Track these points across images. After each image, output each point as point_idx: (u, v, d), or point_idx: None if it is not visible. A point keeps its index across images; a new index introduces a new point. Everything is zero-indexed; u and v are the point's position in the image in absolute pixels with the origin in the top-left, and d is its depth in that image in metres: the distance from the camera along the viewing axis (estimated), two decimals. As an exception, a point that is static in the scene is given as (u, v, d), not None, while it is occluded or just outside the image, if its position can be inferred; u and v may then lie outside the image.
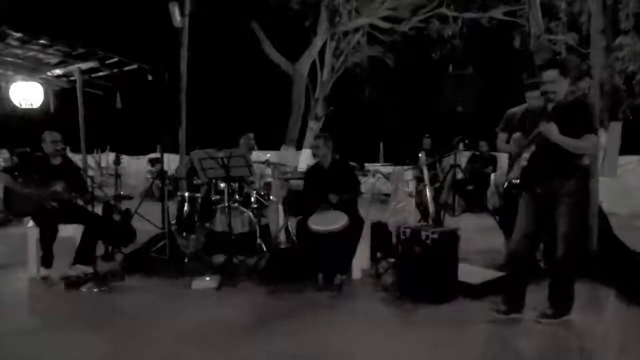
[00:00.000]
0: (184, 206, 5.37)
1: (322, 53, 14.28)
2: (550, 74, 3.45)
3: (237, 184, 5.20)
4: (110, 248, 5.45)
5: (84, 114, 9.42)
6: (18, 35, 7.33)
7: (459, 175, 7.15)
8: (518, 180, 3.52)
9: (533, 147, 3.43)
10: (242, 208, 5.12)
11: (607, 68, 5.01)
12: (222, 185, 5.06)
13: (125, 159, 14.52)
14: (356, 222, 4.61)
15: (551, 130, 3.27)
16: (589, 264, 4.65)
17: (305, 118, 14.26)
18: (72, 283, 4.41)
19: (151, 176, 11.50)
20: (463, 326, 3.57)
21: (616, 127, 10.55)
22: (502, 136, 4.53)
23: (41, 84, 9.70)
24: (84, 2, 13.34)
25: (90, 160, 12.36)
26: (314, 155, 4.99)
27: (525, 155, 3.47)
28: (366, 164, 13.97)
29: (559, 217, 3.42)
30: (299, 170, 7.88)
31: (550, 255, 3.55)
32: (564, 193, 3.41)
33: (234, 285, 4.50)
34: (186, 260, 5.09)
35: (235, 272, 4.69)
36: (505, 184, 3.70)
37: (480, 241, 5.87)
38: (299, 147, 13.92)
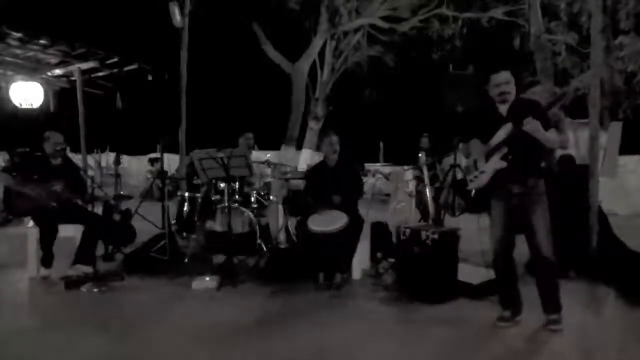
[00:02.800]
0: (184, 206, 5.37)
1: (322, 53, 14.29)
2: (505, 75, 3.47)
3: (237, 184, 5.20)
4: (110, 248, 5.46)
5: (84, 114, 9.41)
6: (18, 35, 7.33)
7: (459, 175, 7.15)
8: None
9: (504, 149, 3.41)
10: (242, 208, 5.12)
11: (607, 68, 5.02)
12: (222, 185, 5.06)
13: (125, 159, 14.56)
14: (356, 222, 4.61)
15: (538, 127, 3.27)
16: (589, 264, 4.66)
17: (305, 118, 14.26)
18: (72, 283, 4.41)
19: (151, 176, 11.52)
20: (463, 326, 3.57)
21: (616, 127, 10.52)
22: None
23: (41, 84, 9.69)
24: (84, 2, 13.35)
25: (90, 160, 12.36)
26: (334, 151, 4.92)
27: (496, 157, 3.46)
28: (366, 164, 13.98)
29: (536, 217, 3.40)
30: (299, 170, 7.88)
31: (536, 259, 3.52)
32: (538, 192, 3.43)
33: (234, 285, 4.50)
34: (186, 260, 5.09)
35: (235, 272, 4.69)
36: (473, 190, 3.69)
37: (480, 241, 5.86)
38: (299, 147, 13.92)
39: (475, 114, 3.98)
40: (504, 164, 3.44)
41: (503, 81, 3.46)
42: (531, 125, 3.27)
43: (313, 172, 5.20)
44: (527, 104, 3.53)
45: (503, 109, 3.51)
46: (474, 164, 3.64)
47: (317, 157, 5.21)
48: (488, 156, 3.53)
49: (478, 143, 3.63)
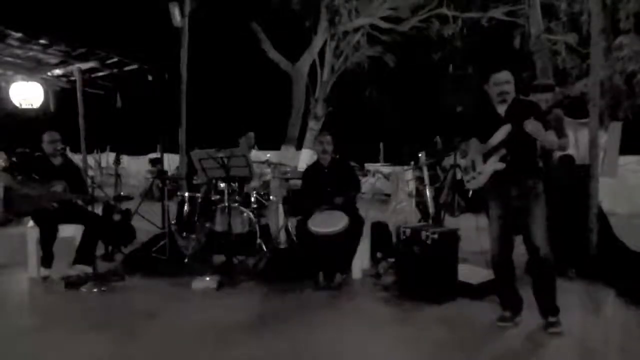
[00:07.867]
0: (184, 206, 5.37)
1: (322, 53, 14.27)
2: (506, 75, 3.47)
3: (237, 184, 5.20)
4: (110, 248, 5.46)
5: (84, 114, 9.40)
6: (18, 35, 7.32)
7: (459, 175, 7.15)
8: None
9: (503, 150, 3.41)
10: (242, 208, 5.12)
11: (607, 68, 5.01)
12: (222, 185, 5.06)
13: (125, 159, 14.56)
14: (356, 222, 4.61)
15: (539, 128, 3.27)
16: (589, 264, 4.66)
17: (305, 118, 14.25)
18: (72, 283, 4.42)
19: (151, 176, 11.52)
20: (463, 326, 3.57)
21: (616, 127, 10.52)
22: None
23: (41, 84, 9.69)
24: (84, 2, 13.35)
25: (90, 160, 12.36)
26: (323, 151, 4.93)
27: (494, 158, 3.45)
28: (366, 164, 14.00)
29: (534, 218, 3.39)
30: (299, 170, 7.88)
31: (534, 259, 3.52)
32: (536, 193, 3.42)
33: (234, 285, 4.50)
34: (186, 260, 5.09)
35: (235, 272, 4.69)
36: (470, 191, 3.70)
37: (480, 241, 5.86)
38: (299, 147, 13.91)
39: (475, 114, 3.99)
40: (502, 166, 3.43)
41: (503, 80, 3.45)
42: (533, 126, 3.26)
43: (308, 172, 5.20)
44: (526, 105, 3.52)
45: (501, 109, 3.50)
46: (472, 164, 3.63)
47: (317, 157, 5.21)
48: (486, 157, 3.52)
49: (476, 142, 3.62)
